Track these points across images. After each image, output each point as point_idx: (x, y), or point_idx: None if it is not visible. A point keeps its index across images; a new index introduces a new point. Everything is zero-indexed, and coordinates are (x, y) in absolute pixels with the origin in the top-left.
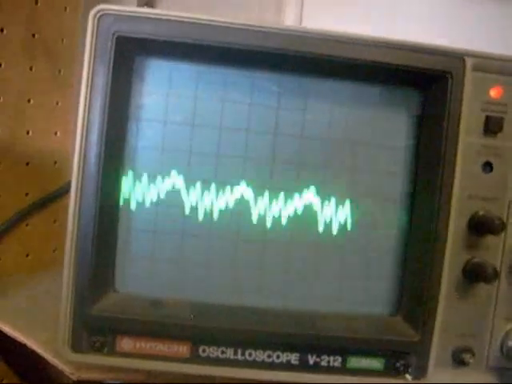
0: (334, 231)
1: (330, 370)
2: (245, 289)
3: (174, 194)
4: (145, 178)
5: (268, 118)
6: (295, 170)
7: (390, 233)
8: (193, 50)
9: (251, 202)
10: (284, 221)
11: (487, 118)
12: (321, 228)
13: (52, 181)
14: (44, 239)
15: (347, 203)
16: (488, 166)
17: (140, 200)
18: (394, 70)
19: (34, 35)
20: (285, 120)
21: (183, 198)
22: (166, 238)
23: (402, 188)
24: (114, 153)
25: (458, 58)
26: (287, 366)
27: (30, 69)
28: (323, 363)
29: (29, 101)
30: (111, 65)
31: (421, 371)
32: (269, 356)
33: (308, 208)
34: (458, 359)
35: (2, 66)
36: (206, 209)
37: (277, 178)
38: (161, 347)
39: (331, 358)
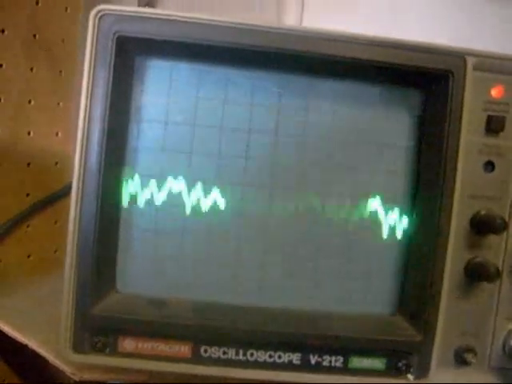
0: (335, 231)
1: (331, 370)
2: (246, 289)
3: (174, 194)
4: (146, 178)
5: (269, 118)
6: (296, 169)
7: (392, 232)
8: (194, 49)
9: (252, 202)
10: (286, 220)
11: (489, 117)
12: (322, 228)
13: (53, 181)
14: (45, 240)
15: (348, 203)
16: (490, 166)
17: (141, 200)
18: (394, 69)
19: (34, 36)
20: (286, 120)
21: (184, 198)
22: (167, 238)
23: (404, 188)
24: (115, 153)
25: (459, 57)
26: (289, 366)
27: (31, 69)
28: (325, 363)
29: (30, 101)
30: (112, 65)
31: (423, 371)
32: (270, 356)
33: (309, 208)
34: (460, 359)
35: (3, 66)
36: (207, 209)
37: (278, 177)
38: (162, 347)
39: (333, 358)
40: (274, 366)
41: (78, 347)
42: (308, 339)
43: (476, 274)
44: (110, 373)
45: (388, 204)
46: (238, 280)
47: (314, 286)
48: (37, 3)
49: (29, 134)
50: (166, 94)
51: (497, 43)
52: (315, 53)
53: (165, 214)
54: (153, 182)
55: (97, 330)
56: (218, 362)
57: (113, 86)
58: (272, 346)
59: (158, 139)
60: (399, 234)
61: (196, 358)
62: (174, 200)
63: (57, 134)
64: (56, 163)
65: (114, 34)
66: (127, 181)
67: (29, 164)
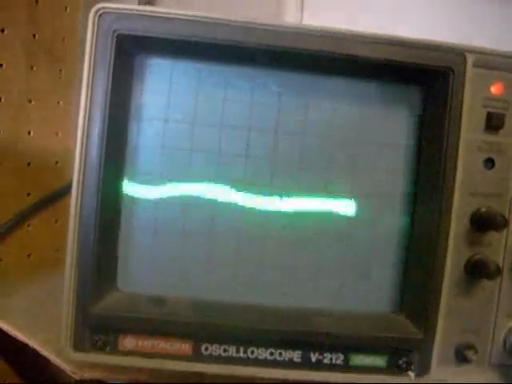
0: (336, 229)
1: (332, 367)
2: (246, 287)
3: (175, 192)
4: (146, 176)
5: (269, 117)
6: (296, 168)
7: (392, 230)
8: (193, 48)
9: (252, 201)
10: (285, 219)
11: (488, 114)
12: (323, 226)
13: (53, 181)
14: (46, 239)
15: (348, 201)
16: (490, 163)
17: (141, 199)
18: (394, 66)
19: (34, 35)
20: (286, 118)
21: (184, 197)
22: (167, 237)
23: (404, 185)
24: (115, 152)
25: (458, 54)
26: (289, 364)
27: (31, 69)
28: (326, 361)
29: (30, 101)
30: (112, 63)
31: (424, 368)
32: (271, 354)
33: (309, 206)
34: (461, 356)
35: (3, 66)
36: (206, 207)
37: (278, 176)
38: (163, 345)
39: (334, 356)
40: (275, 364)
41: (78, 345)
42: (309, 337)
43: (476, 272)
44: (110, 371)
45: (388, 202)
46: (238, 278)
47: (315, 283)
48: (36, 2)
49: (29, 133)
50: (165, 92)
51: (497, 41)
52: (315, 51)
53: (165, 213)
54: (153, 181)
55: (97, 329)
56: (218, 359)
57: (113, 84)
58: (273, 344)
59: (158, 137)
60: (400, 232)
61: (197, 356)
62: (174, 198)
63: (57, 134)
64: (56, 162)
65: (114, 32)
66: (127, 179)
67: (29, 163)
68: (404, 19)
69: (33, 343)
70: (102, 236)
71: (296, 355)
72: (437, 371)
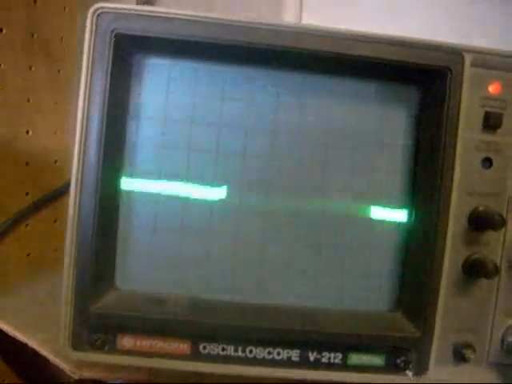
0: (335, 228)
1: (330, 366)
2: (245, 285)
3: (173, 191)
4: (144, 175)
5: (266, 116)
6: (294, 168)
7: (390, 230)
8: (191, 47)
9: (251, 200)
10: (284, 218)
11: (486, 113)
12: (321, 226)
13: (52, 180)
14: (44, 239)
15: (347, 201)
16: (487, 162)
17: (139, 197)
18: (392, 66)
19: (32, 35)
20: (284, 118)
21: (182, 196)
22: (165, 235)
23: (402, 185)
24: (114, 151)
25: (456, 53)
26: (288, 363)
27: (30, 68)
28: (324, 360)
29: (28, 100)
30: (110, 63)
31: (421, 367)
32: (269, 353)
33: (308, 206)
34: (459, 355)
35: (2, 65)
36: (205, 206)
37: (276, 175)
38: (161, 345)
39: (332, 355)
40: (273, 363)
41: (77, 345)
42: (307, 336)
43: (474, 271)
44: (109, 371)
45: (386, 202)
46: (236, 277)
47: (313, 283)
48: (35, 2)
49: (27, 132)
50: (164, 91)
51: (497, 41)
52: (314, 50)
53: (163, 212)
54: (151, 179)
55: (96, 328)
56: (217, 358)
57: (111, 84)
58: (271, 343)
59: (156, 136)
60: (398, 232)
61: (195, 355)
62: (173, 197)
63: (55, 133)
64: (55, 162)
65: (112, 31)
66: (126, 178)
67: (28, 163)
68: (403, 19)
69: (32, 343)
70: (101, 235)
71: (294, 354)
72: (435, 370)
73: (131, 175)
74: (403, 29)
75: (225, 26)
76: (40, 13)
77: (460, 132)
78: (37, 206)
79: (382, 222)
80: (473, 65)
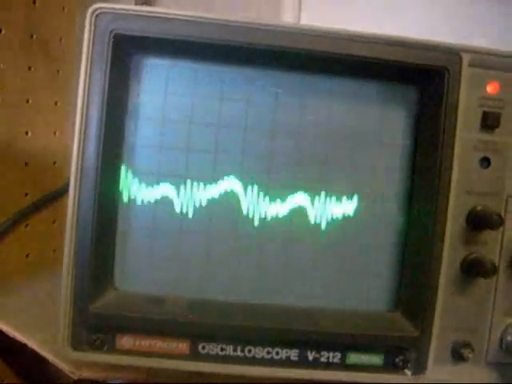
0: (334, 228)
1: (329, 366)
2: (244, 285)
3: (172, 191)
4: (143, 175)
5: (266, 117)
6: (294, 167)
7: (389, 229)
8: (190, 47)
9: (250, 200)
10: (283, 218)
11: (484, 113)
12: (320, 225)
13: (51, 181)
14: (44, 239)
15: (346, 200)
16: (485, 162)
17: (138, 198)
18: (390, 66)
19: (32, 35)
20: (283, 118)
21: (181, 196)
22: (164, 236)
23: (401, 185)
24: (112, 151)
25: (454, 53)
26: (286, 363)
27: (29, 69)
28: (322, 359)
29: (27, 101)
30: (109, 63)
31: (420, 367)
32: (268, 352)
33: (307, 205)
34: (458, 354)
35: (1, 66)
36: (203, 206)
37: (275, 175)
38: (160, 344)
39: (330, 354)
40: (272, 363)
41: (76, 345)
42: (305, 335)
43: (472, 270)
44: (108, 371)
45: (385, 201)
46: (235, 277)
47: (313, 282)
48: (34, 3)
49: (26, 133)
50: (162, 92)
51: (496, 41)
52: (312, 51)
53: (162, 212)
54: (150, 180)
55: (95, 328)
56: (215, 358)
57: (110, 84)
58: (270, 343)
59: (155, 137)
60: (396, 231)
61: (194, 355)
62: (172, 197)
63: (55, 133)
64: (54, 162)
65: (111, 32)
66: (125, 178)
67: (27, 163)
68: (403, 19)
69: (31, 343)
70: (100, 235)
71: (293, 354)
72: (433, 369)
73: (130, 175)
74: (402, 29)
75: (223, 26)
76: (39, 13)
77: (458, 132)
78: (36, 207)
79: (380, 221)
80: (471, 65)
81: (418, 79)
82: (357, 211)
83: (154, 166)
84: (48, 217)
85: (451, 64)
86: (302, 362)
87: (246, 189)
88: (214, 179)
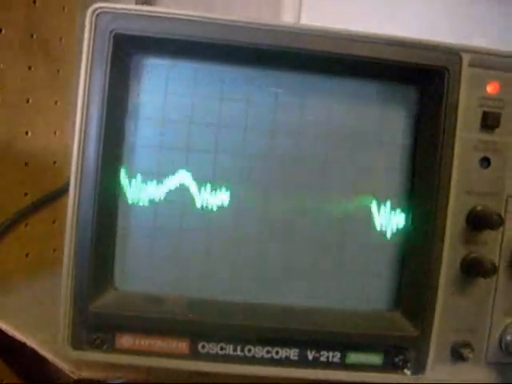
0: (333, 228)
1: (329, 365)
2: (244, 285)
3: (172, 191)
4: (143, 175)
5: (266, 116)
6: (293, 167)
7: (389, 229)
8: (190, 47)
9: (249, 199)
10: (283, 218)
11: (484, 113)
12: (320, 225)
13: (51, 181)
14: (43, 239)
15: (346, 200)
16: (485, 162)
17: (138, 197)
18: (390, 66)
19: (32, 35)
20: (283, 118)
21: (181, 196)
22: (164, 235)
23: (401, 184)
24: (113, 151)
25: (454, 53)
26: (286, 362)
27: (29, 68)
28: (322, 359)
29: (27, 100)
30: (109, 63)
31: (420, 366)
32: (268, 352)
33: (307, 205)
34: (457, 354)
35: (1, 66)
36: (204, 206)
37: (275, 175)
38: (160, 344)
39: (330, 354)
40: (272, 362)
41: (76, 344)
42: (305, 335)
43: (472, 270)
44: (108, 371)
45: (385, 201)
46: (235, 277)
47: (313, 282)
48: (34, 2)
49: (27, 133)
50: (162, 91)
51: (496, 41)
52: (312, 50)
53: (162, 212)
54: (150, 180)
55: (95, 327)
56: (215, 358)
57: (110, 84)
58: (269, 342)
59: (155, 137)
60: (396, 231)
61: (194, 354)
62: (172, 197)
63: (55, 133)
64: (54, 162)
65: (111, 32)
66: (125, 178)
67: (27, 163)
68: (403, 19)
69: (31, 343)
70: (100, 234)
71: (293, 353)
72: (433, 369)
73: (130, 175)
74: (402, 29)
75: (224, 26)
76: (39, 13)
77: (458, 132)
78: (36, 207)
79: (380, 221)
80: (471, 65)
81: (418, 79)
82: (357, 211)
83: (154, 166)
84: (48, 217)
85: (451, 64)
86: (302, 362)
87: (245, 188)
88: (213, 179)
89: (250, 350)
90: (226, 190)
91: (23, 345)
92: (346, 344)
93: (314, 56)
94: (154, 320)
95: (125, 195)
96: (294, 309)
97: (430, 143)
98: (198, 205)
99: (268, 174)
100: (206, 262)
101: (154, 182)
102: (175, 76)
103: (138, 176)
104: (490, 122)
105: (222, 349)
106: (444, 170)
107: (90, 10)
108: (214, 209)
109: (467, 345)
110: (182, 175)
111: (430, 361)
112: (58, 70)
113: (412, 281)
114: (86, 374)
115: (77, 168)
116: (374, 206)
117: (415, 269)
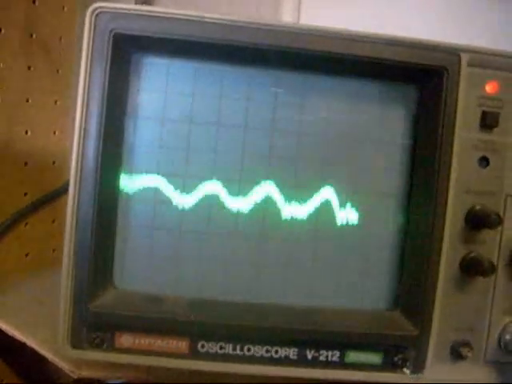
0: (333, 227)
1: (328, 364)
2: (243, 284)
3: (171, 190)
4: (142, 175)
5: (265, 115)
6: (293, 167)
7: (389, 228)
8: (190, 47)
9: (249, 199)
10: (282, 217)
11: (483, 113)
12: (320, 224)
13: (51, 180)
14: (43, 239)
15: (346, 200)
16: (484, 161)
17: (138, 197)
18: (389, 66)
19: (31, 35)
20: (282, 117)
21: (181, 195)
22: (164, 235)
23: (400, 184)
24: (112, 150)
25: (453, 53)
26: (286, 361)
27: (29, 68)
28: (322, 358)
29: (27, 100)
30: (108, 62)
31: (419, 365)
32: (267, 351)
33: (306, 205)
34: (456, 353)
35: (1, 65)
36: (203, 206)
37: (275, 175)
38: (160, 343)
39: (330, 353)
40: (271, 361)
41: (76, 343)
42: (304, 334)
43: (471, 269)
44: (108, 370)
45: (384, 201)
46: (234, 277)
47: (311, 281)
48: (34, 2)
49: (26, 132)
50: (162, 91)
51: (496, 41)
52: (312, 50)
53: (162, 211)
54: (150, 179)
55: (94, 326)
56: (215, 357)
57: (109, 83)
58: (269, 341)
59: (154, 136)
60: (395, 230)
61: (193, 354)
62: (171, 197)
63: (54, 133)
64: (54, 162)
65: (111, 31)
66: (124, 177)
67: (26, 163)
68: (403, 19)
69: (31, 342)
70: (99, 234)
71: (292, 352)
72: (432, 368)
73: (130, 174)
74: (402, 29)
75: (223, 25)
76: (39, 12)
77: (457, 131)
78: (36, 206)
79: (380, 220)
80: (470, 64)
81: (418, 79)
82: (357, 210)
83: (154, 165)
84: (47, 216)
85: (450, 64)
86: (301, 361)
87: (244, 188)
88: (212, 178)
89: (249, 350)
90: (226, 189)
91: (23, 344)
92: (345, 343)
93: (314, 56)
94: (154, 319)
95: (124, 194)
96: (294, 308)
97: (429, 142)
98: (198, 204)
99: (267, 174)
100: (206, 261)
101: (154, 181)
102: (175, 75)
103: (138, 175)
104: (488, 121)
105: (221, 348)
106: (443, 170)
107: (90, 9)
108: (214, 208)
109: (466, 344)
110: (181, 174)
111: (429, 360)
112: (58, 70)
113: (411, 280)
114: (85, 373)
115: (76, 167)
116: (373, 206)
117: (414, 268)
